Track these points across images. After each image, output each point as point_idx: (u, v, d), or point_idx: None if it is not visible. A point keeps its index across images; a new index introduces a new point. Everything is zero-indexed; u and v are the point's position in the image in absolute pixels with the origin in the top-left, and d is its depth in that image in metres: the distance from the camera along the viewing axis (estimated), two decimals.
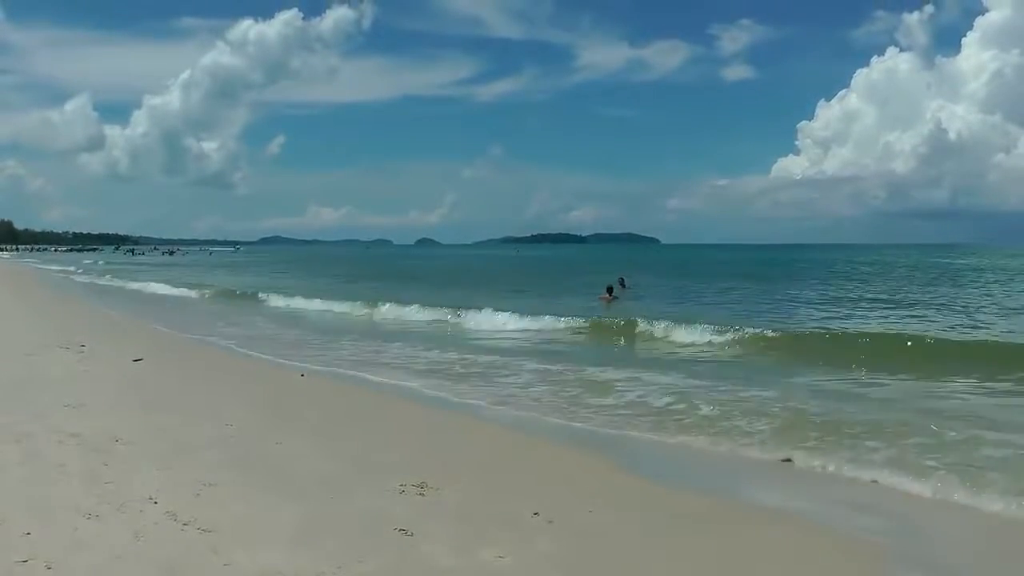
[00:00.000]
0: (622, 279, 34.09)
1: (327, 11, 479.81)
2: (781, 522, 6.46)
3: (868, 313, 23.97)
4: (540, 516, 6.18)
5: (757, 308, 25.72)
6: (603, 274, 36.56)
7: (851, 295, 30.72)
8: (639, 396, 11.20)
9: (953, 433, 8.75)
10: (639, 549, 5.72)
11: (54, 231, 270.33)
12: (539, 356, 15.38)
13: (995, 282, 38.65)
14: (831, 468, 7.76)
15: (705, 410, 10.14)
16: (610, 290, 29.22)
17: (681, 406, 10.45)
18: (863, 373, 13.08)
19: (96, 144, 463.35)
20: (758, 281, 37.10)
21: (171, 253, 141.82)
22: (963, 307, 25.02)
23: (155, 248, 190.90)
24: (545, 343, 17.86)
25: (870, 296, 30.01)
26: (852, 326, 20.09)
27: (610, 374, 12.96)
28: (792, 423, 9.42)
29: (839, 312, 24.40)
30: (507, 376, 13.15)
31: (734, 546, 5.89)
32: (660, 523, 6.36)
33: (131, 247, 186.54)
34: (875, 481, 7.38)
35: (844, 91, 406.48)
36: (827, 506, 6.79)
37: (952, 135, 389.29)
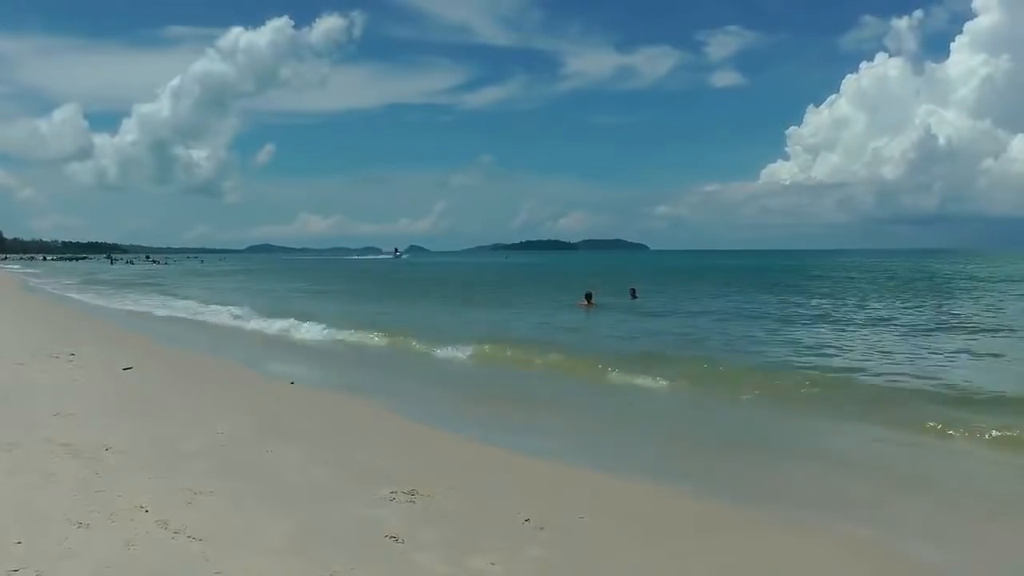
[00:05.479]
0: (633, 289, 33.91)
1: (317, 20, 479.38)
2: (783, 527, 6.52)
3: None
4: (531, 522, 6.21)
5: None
6: (587, 283, 36.48)
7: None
8: None
9: None
10: (632, 555, 5.74)
11: (43, 240, 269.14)
12: None
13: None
14: None
15: None
16: (588, 297, 28.84)
17: None
18: None
19: (85, 153, 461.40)
20: (729, 295, 35.99)
21: (156, 262, 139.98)
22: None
23: (147, 257, 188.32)
24: None
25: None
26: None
27: None
28: None
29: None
30: None
31: (730, 552, 5.92)
32: (654, 528, 6.39)
33: (117, 256, 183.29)
34: None
35: (833, 96, 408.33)
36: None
37: (942, 140, 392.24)
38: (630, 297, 32.56)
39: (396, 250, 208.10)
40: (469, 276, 68.56)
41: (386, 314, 26.74)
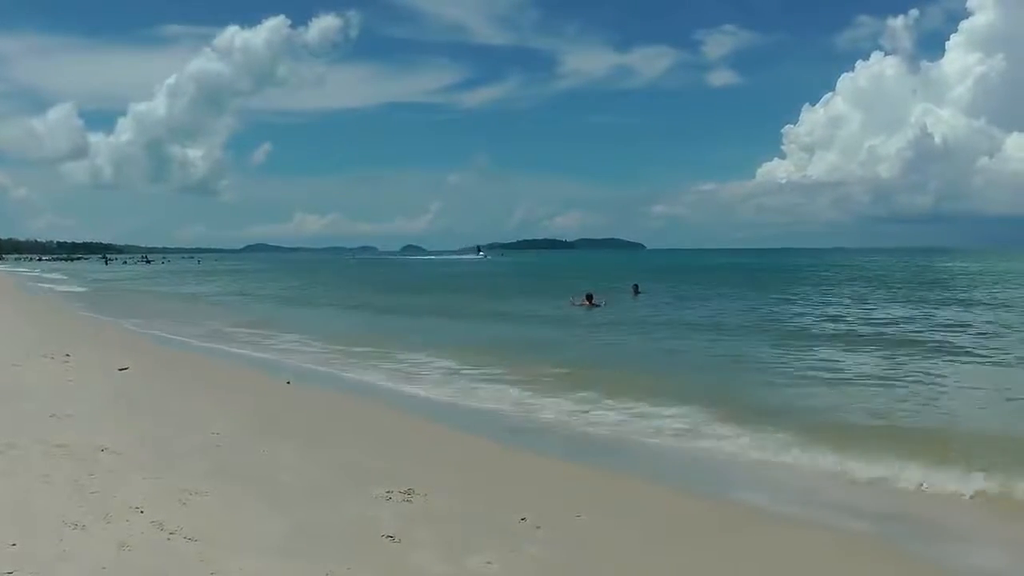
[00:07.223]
0: (635, 285, 33.99)
1: (314, 19, 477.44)
2: (783, 526, 6.51)
3: None
4: (528, 522, 6.20)
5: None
6: (587, 281, 36.43)
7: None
8: None
9: None
10: (629, 554, 5.74)
11: (38, 240, 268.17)
12: None
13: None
14: None
15: None
16: (589, 298, 28.60)
17: None
18: None
19: (80, 152, 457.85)
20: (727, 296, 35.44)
21: (150, 262, 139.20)
22: None
23: (143, 257, 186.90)
24: None
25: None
26: None
27: None
28: None
29: None
30: None
31: (729, 551, 5.92)
32: (650, 527, 6.38)
33: (112, 256, 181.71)
34: None
35: (829, 95, 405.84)
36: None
37: (937, 139, 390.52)
38: (632, 294, 32.61)
39: (479, 249, 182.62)
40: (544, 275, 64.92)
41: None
